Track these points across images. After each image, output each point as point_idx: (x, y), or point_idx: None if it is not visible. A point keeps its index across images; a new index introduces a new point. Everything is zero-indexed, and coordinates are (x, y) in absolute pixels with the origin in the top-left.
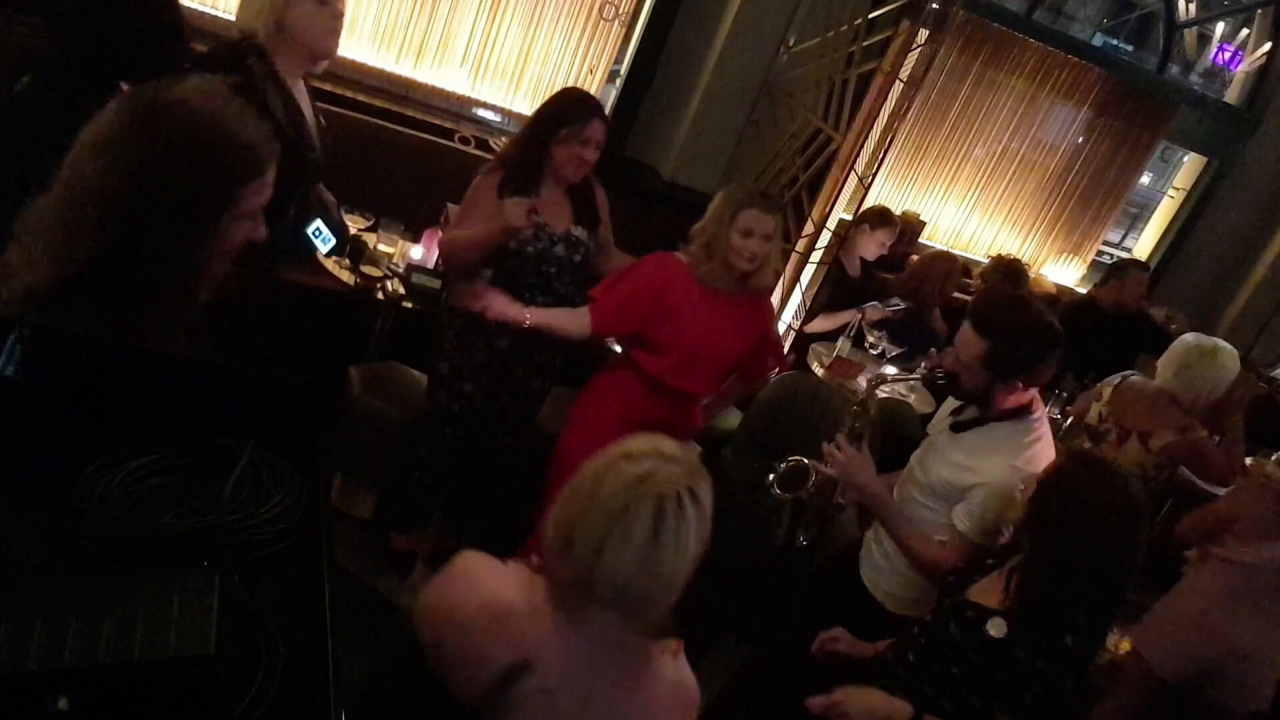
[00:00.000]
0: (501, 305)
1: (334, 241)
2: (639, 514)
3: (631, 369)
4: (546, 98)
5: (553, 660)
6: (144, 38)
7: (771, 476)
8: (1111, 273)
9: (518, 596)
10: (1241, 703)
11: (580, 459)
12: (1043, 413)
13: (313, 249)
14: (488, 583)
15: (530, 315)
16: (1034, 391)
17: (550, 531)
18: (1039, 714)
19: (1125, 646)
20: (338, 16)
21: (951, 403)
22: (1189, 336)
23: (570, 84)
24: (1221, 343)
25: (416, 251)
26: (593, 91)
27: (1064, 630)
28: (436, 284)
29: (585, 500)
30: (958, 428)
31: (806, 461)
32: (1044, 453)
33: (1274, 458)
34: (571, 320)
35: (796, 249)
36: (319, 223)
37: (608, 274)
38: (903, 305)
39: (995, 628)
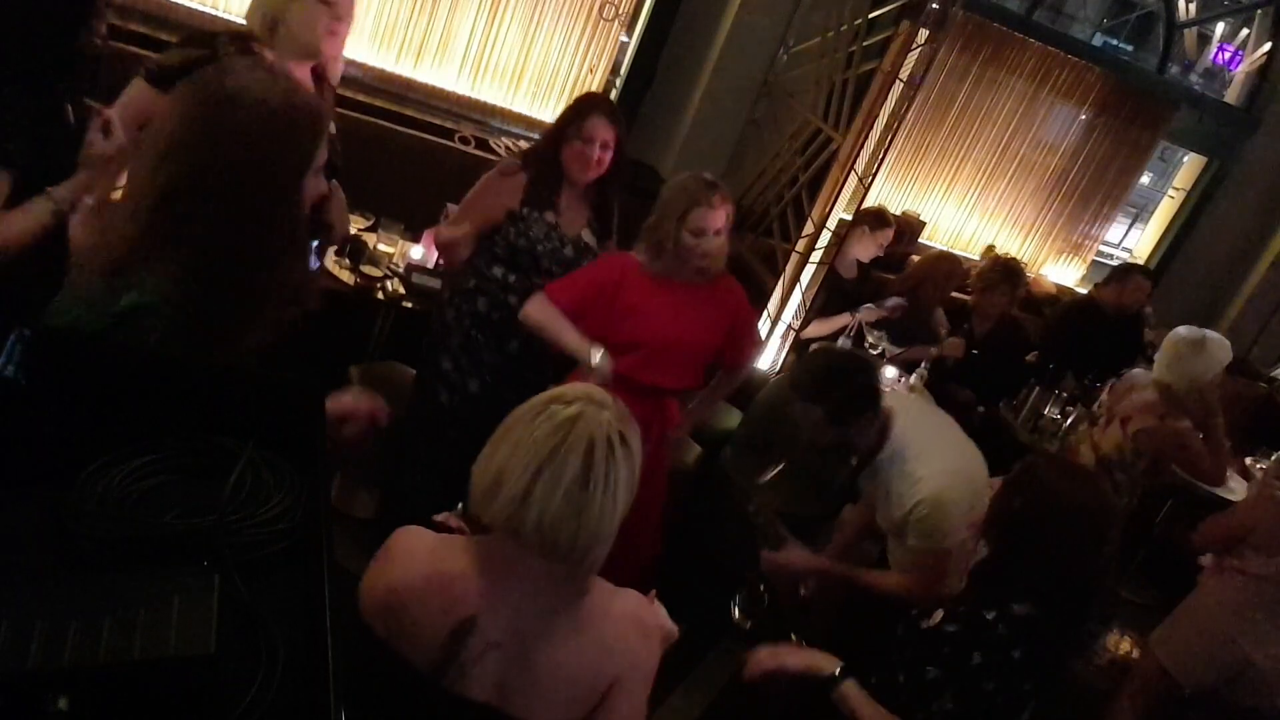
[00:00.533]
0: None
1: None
2: (569, 455)
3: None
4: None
5: (495, 614)
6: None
7: (736, 611)
8: (1114, 276)
9: (454, 561)
10: (1263, 700)
11: None
12: (895, 411)
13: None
14: (424, 554)
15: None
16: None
17: (477, 476)
18: (946, 689)
19: (1125, 647)
20: (339, 19)
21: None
22: (1180, 329)
23: (570, 84)
24: (1210, 333)
25: (416, 251)
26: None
27: (986, 608)
28: (436, 284)
29: (515, 443)
30: (855, 496)
31: (761, 587)
32: (929, 430)
33: (1274, 457)
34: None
35: (796, 249)
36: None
37: None
38: (900, 301)
39: (933, 618)
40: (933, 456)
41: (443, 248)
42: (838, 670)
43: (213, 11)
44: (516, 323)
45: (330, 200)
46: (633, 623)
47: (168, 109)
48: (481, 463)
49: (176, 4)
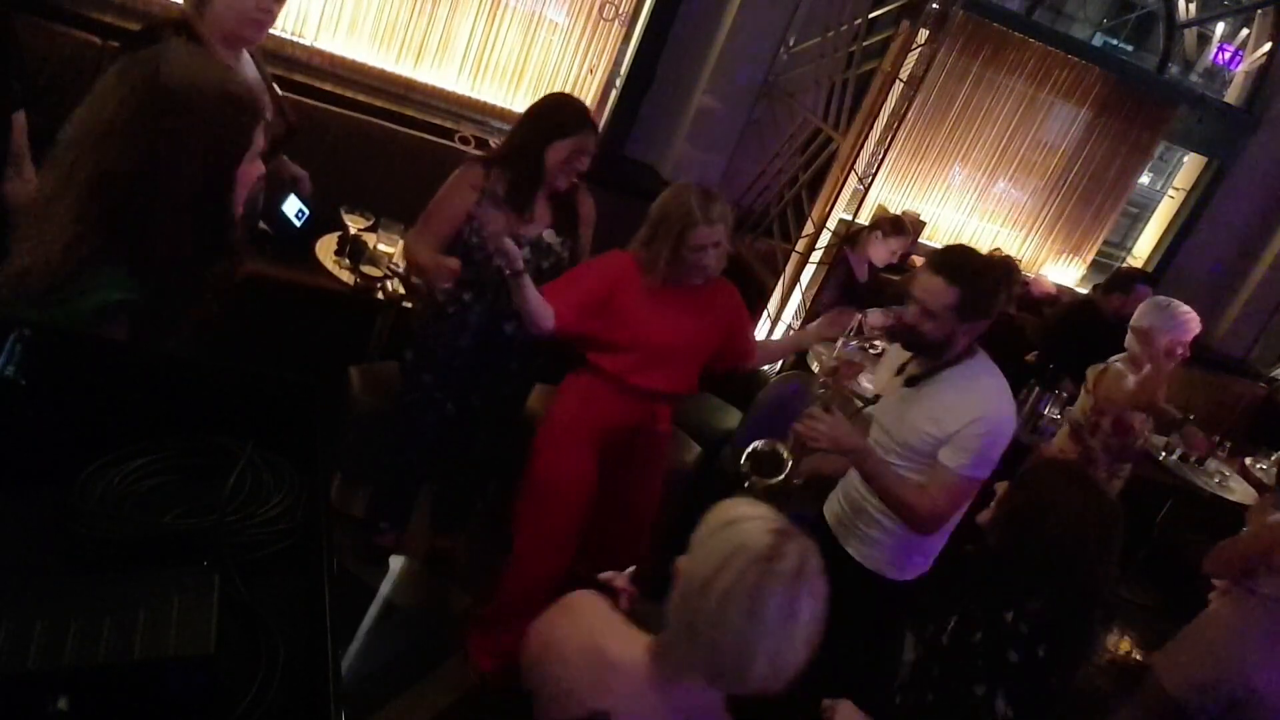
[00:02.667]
0: (499, 230)
1: (309, 214)
2: (776, 570)
3: (596, 372)
4: (537, 99)
5: (623, 711)
6: None
7: (744, 463)
8: (1117, 284)
9: (618, 647)
10: None
11: (552, 462)
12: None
13: (292, 228)
14: (593, 625)
15: (522, 268)
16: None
17: (682, 571)
18: (990, 693)
19: (1125, 647)
20: (265, 12)
21: (889, 367)
22: (1145, 304)
23: (570, 84)
24: (1178, 303)
25: None
26: (592, 92)
27: (1004, 608)
28: None
29: (721, 529)
30: (913, 381)
31: (778, 445)
32: (999, 376)
33: (1274, 457)
34: (542, 306)
35: (796, 249)
36: (293, 199)
37: None
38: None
39: (949, 633)
40: (1003, 387)
41: (423, 272)
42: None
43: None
44: (470, 318)
45: (281, 166)
46: None
47: (101, 93)
48: (688, 561)
49: None
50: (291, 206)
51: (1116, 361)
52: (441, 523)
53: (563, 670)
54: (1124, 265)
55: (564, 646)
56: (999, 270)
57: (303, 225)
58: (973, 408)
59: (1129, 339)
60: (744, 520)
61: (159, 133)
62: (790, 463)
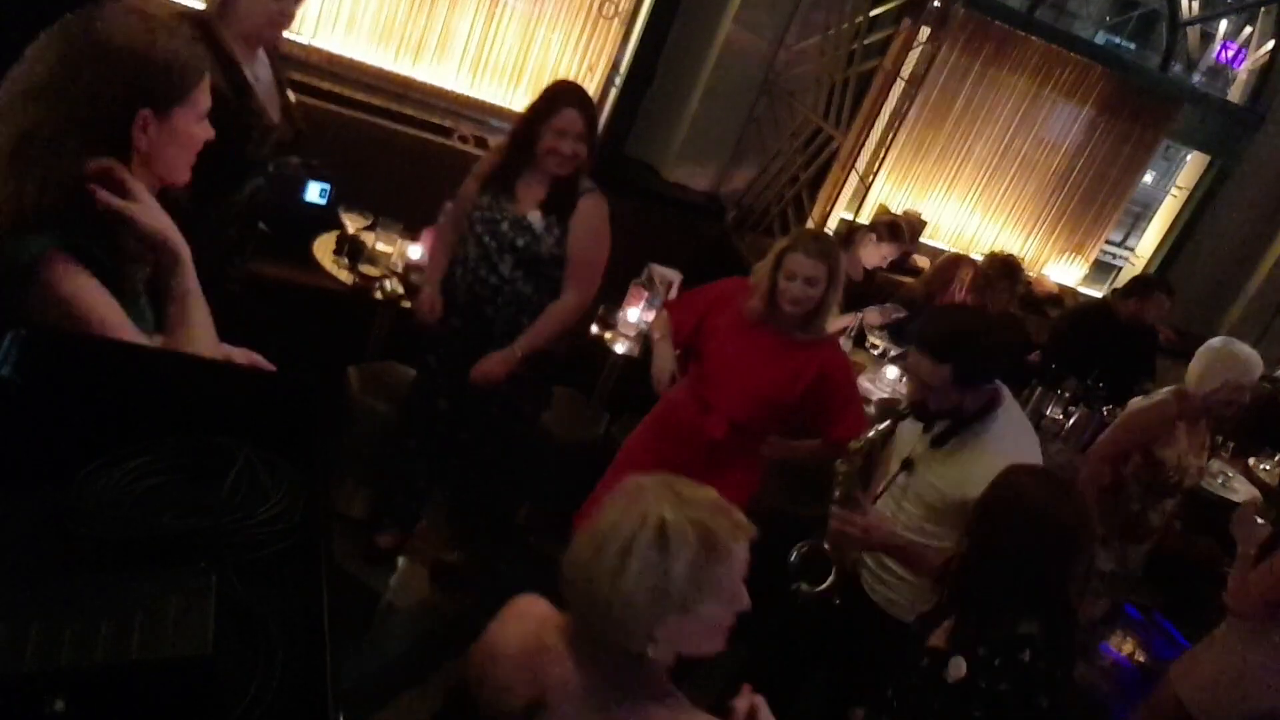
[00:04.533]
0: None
1: (331, 188)
2: (611, 510)
3: (684, 379)
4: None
5: (566, 697)
6: None
7: (794, 562)
8: (1136, 289)
9: (551, 636)
10: None
11: (633, 447)
12: (1008, 395)
13: (320, 209)
14: (529, 622)
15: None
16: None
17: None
18: None
19: (1128, 648)
20: (286, 14)
21: (909, 427)
22: (1212, 341)
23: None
24: (1238, 343)
25: (415, 251)
26: (591, 91)
27: (1018, 647)
28: None
29: (605, 507)
30: (938, 442)
31: (824, 545)
32: (1026, 431)
33: (1278, 458)
34: (665, 343)
35: None
36: (311, 184)
37: (562, 288)
38: (903, 313)
39: (954, 668)
40: (1031, 444)
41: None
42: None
43: None
44: (457, 293)
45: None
46: None
47: (31, 54)
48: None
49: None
50: (314, 191)
51: (1159, 395)
52: (450, 535)
53: (507, 669)
54: (1142, 273)
55: (508, 644)
56: (992, 329)
57: (330, 200)
58: (989, 469)
59: (1183, 392)
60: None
61: (82, 89)
62: (834, 573)
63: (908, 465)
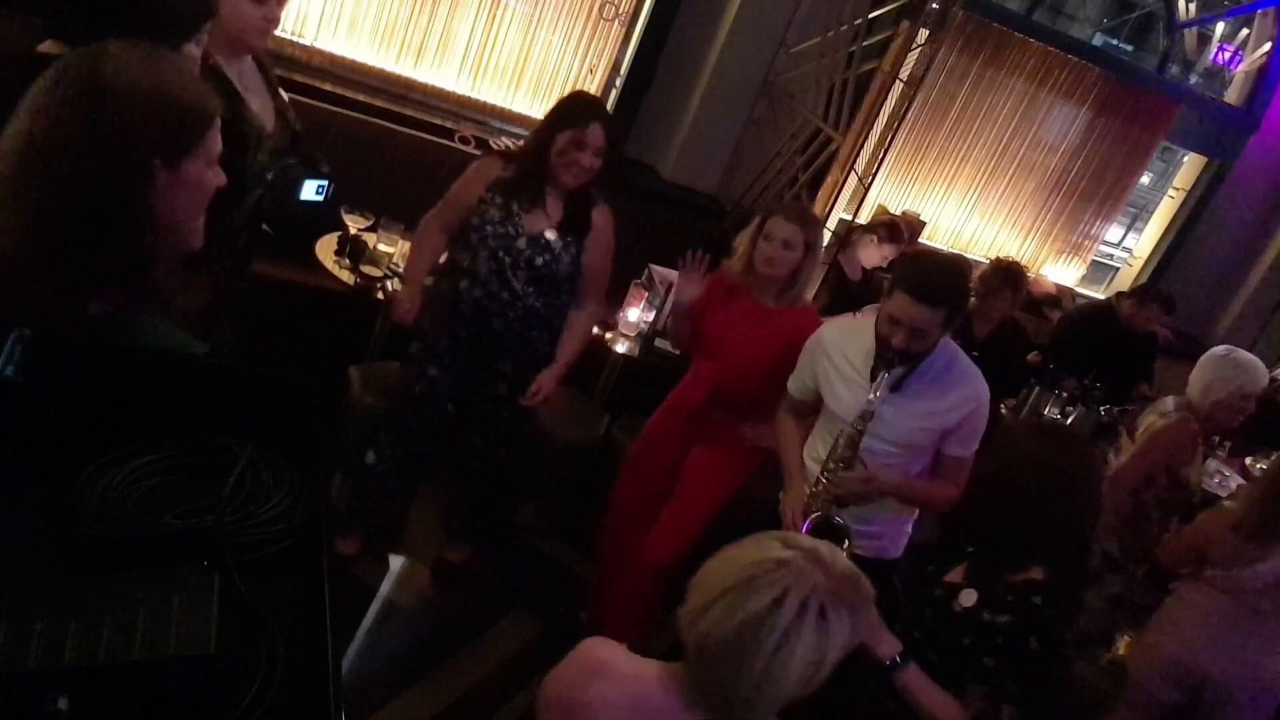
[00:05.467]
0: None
1: (329, 184)
2: (760, 589)
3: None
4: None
5: None
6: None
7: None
8: (1137, 293)
9: (651, 689)
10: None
11: (640, 442)
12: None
13: (319, 206)
14: (623, 673)
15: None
16: None
17: (693, 581)
18: (1008, 677)
19: (1126, 647)
20: (270, 19)
21: (849, 379)
22: (1214, 350)
23: (570, 84)
24: (1241, 351)
25: None
26: (592, 92)
27: (1032, 590)
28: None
29: (726, 558)
30: (899, 386)
31: (836, 521)
32: (968, 360)
33: (1274, 457)
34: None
35: None
36: (308, 183)
37: (580, 301)
38: None
39: (965, 597)
40: (969, 361)
41: (402, 288)
42: (899, 655)
43: None
44: (463, 307)
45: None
46: None
47: (31, 103)
48: (704, 566)
49: None
50: (309, 189)
51: (1173, 414)
52: (452, 533)
53: None
54: (1150, 281)
55: (612, 702)
56: (965, 269)
57: (328, 197)
58: (966, 398)
59: (1190, 403)
60: (758, 558)
61: (97, 137)
62: (849, 534)
63: (866, 417)
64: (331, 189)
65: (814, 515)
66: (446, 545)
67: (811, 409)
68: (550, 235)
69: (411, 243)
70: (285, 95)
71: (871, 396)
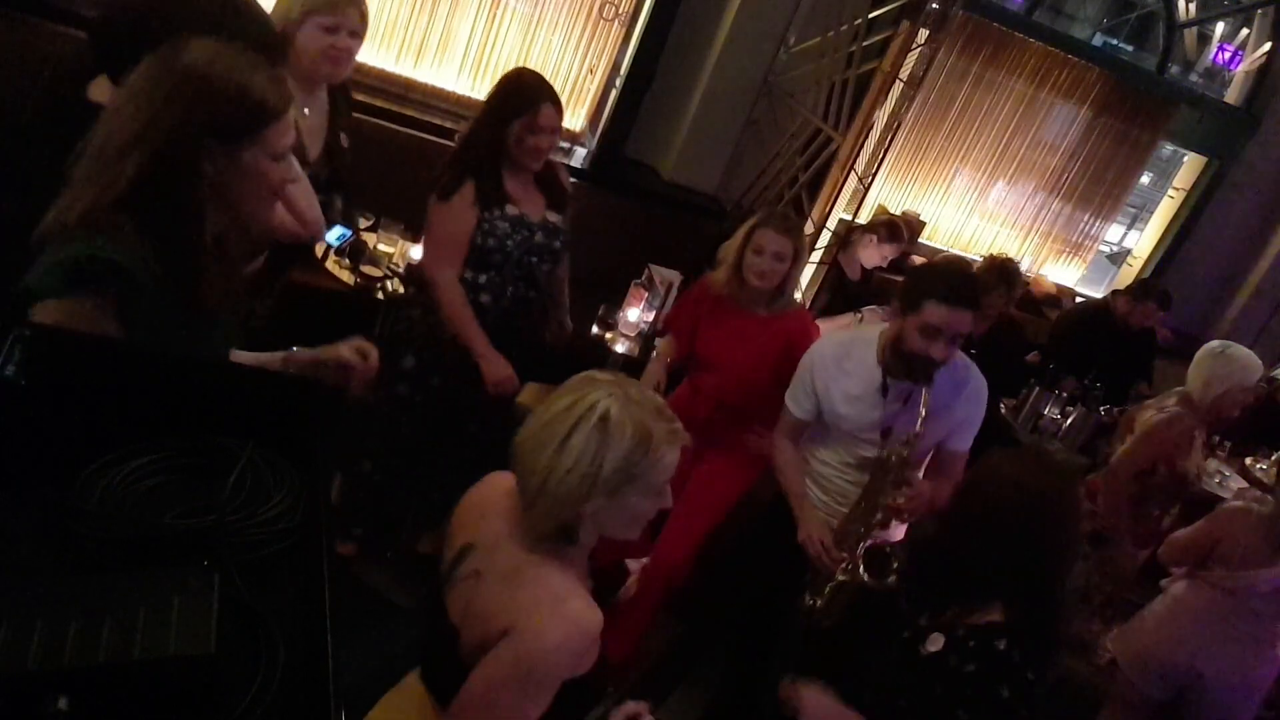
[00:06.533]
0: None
1: (349, 234)
2: (562, 397)
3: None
4: (494, 84)
5: (487, 545)
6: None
7: (865, 577)
8: (1133, 289)
9: (500, 497)
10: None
11: None
12: None
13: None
14: (492, 487)
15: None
16: None
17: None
18: None
19: None
20: (341, 49)
21: (850, 396)
22: (1210, 345)
23: (570, 84)
24: (1235, 345)
25: (417, 251)
26: (592, 92)
27: (995, 634)
28: None
29: (561, 391)
30: (911, 397)
31: (888, 549)
32: (965, 358)
33: (1275, 457)
34: (658, 362)
35: None
36: (336, 227)
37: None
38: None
39: (932, 642)
40: (966, 359)
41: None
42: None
43: None
44: (486, 319)
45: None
46: (557, 613)
47: (128, 93)
48: None
49: None
50: (331, 234)
51: (1162, 405)
52: (424, 523)
53: (457, 519)
54: (1147, 277)
55: (468, 501)
56: (963, 264)
57: (344, 247)
58: (971, 393)
59: (1189, 398)
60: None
61: (154, 109)
62: (896, 562)
63: (911, 441)
64: (351, 240)
65: (865, 545)
66: (420, 538)
67: (806, 427)
68: (553, 217)
69: (455, 307)
70: (346, 140)
71: (922, 412)
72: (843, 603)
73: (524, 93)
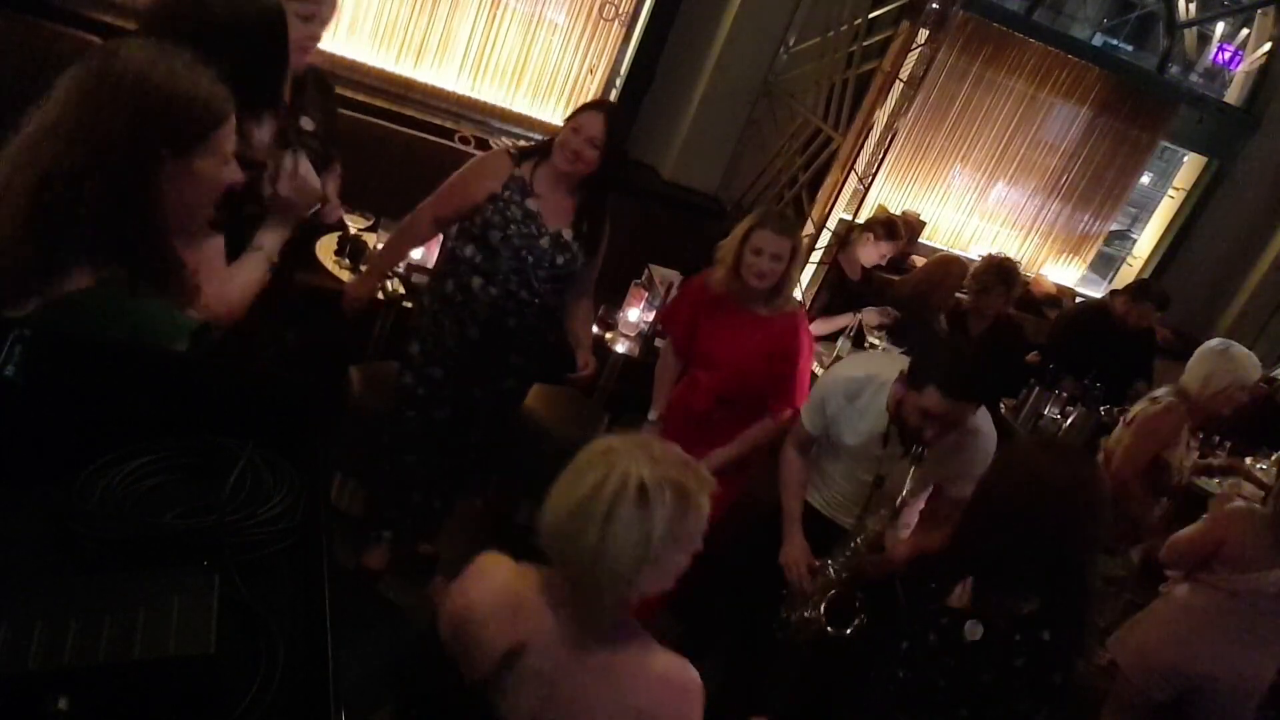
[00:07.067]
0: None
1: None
2: (588, 473)
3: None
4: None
5: (542, 643)
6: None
7: (823, 615)
8: (1130, 289)
9: (523, 586)
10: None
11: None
12: None
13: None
14: (500, 575)
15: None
16: None
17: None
18: (1038, 713)
19: None
20: (314, 39)
21: (863, 434)
22: (1211, 343)
23: (570, 84)
24: (1236, 345)
25: (416, 251)
26: (592, 92)
27: (1039, 625)
28: None
29: (571, 468)
30: (919, 458)
31: (857, 600)
32: (984, 412)
33: (1275, 457)
34: (667, 362)
35: None
36: None
37: (573, 305)
38: (894, 315)
39: (971, 632)
40: (985, 413)
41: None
42: None
43: None
44: (478, 307)
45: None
46: (668, 685)
47: (55, 90)
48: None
49: None
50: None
51: (1158, 398)
52: (421, 528)
53: (483, 622)
54: (1146, 278)
55: (481, 599)
56: (1000, 353)
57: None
58: (975, 457)
59: (1187, 393)
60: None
61: (101, 127)
62: (862, 614)
63: (895, 513)
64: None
65: (831, 595)
66: (418, 541)
67: (815, 442)
68: (568, 235)
69: (397, 230)
70: (311, 122)
71: (909, 485)
72: (811, 633)
73: (584, 105)
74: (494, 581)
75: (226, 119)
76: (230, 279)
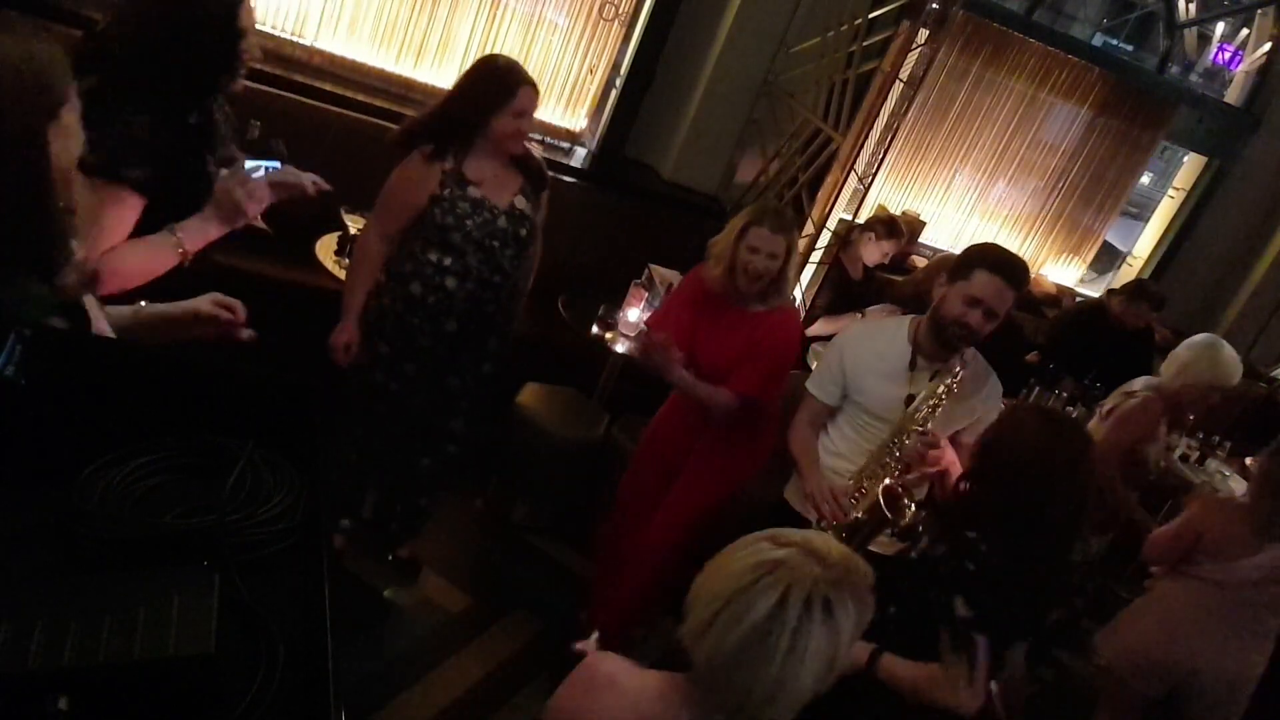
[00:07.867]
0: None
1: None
2: (759, 597)
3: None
4: (464, 71)
5: None
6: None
7: (884, 507)
8: (1127, 289)
9: (662, 708)
10: (1211, 713)
11: (651, 431)
12: None
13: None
14: (630, 691)
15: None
16: None
17: (689, 597)
18: (956, 602)
19: None
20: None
21: (881, 375)
22: (1199, 336)
23: (570, 84)
24: (1225, 346)
25: None
26: (592, 92)
27: (970, 552)
28: None
29: (718, 567)
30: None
31: (900, 488)
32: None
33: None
34: (712, 391)
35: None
36: (255, 164)
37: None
38: (901, 313)
39: (920, 543)
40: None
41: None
42: (870, 653)
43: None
44: (454, 303)
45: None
46: None
47: None
48: (696, 580)
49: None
50: (268, 166)
51: (1140, 390)
52: (406, 529)
53: None
54: (1144, 278)
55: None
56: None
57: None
58: (991, 395)
59: (1164, 388)
60: (756, 563)
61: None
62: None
63: (909, 400)
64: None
65: (884, 485)
66: (396, 546)
67: (827, 414)
68: (521, 203)
69: (351, 268)
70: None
71: (958, 370)
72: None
73: (502, 79)
74: (623, 693)
75: (71, 89)
76: (127, 251)
